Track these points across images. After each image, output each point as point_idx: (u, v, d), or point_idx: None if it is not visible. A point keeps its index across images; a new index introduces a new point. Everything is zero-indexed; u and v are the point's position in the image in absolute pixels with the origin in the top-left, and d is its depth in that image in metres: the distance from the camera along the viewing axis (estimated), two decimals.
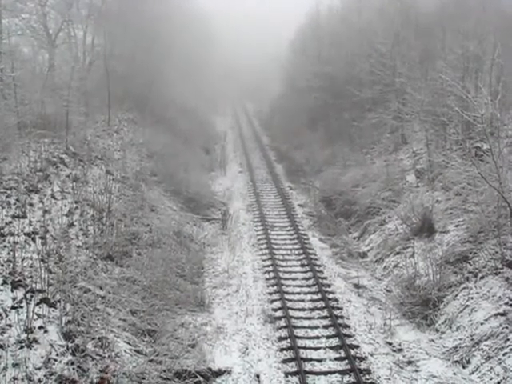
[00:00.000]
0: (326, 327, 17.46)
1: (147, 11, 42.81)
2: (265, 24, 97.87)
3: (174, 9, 56.19)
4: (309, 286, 20.57)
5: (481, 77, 27.10)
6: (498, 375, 13.91)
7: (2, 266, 14.96)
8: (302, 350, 15.97)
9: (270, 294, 19.99)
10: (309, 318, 18.09)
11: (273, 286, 20.59)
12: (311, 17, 56.90)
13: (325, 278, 21.20)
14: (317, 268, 22.05)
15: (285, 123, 52.80)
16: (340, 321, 17.72)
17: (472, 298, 17.01)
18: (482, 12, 30.13)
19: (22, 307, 13.64)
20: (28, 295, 14.06)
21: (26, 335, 12.72)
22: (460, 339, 15.98)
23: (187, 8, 67.80)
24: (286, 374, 15.01)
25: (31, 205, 19.13)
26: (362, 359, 15.63)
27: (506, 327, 15.06)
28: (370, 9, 44.00)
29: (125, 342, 14.70)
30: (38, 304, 13.89)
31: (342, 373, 14.93)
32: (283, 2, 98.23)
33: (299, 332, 17.09)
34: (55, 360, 12.48)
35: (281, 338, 16.86)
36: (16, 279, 14.52)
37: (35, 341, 12.75)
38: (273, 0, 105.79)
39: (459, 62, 27.05)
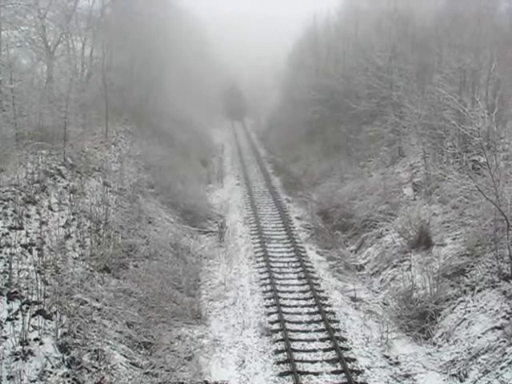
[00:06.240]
0: (322, 340, 17.39)
1: (145, 24, 43.08)
2: (262, 37, 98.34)
3: (172, 21, 56.50)
4: (306, 298, 20.51)
5: (477, 90, 27.22)
6: None
7: None
8: (298, 364, 15.87)
9: (267, 306, 19.93)
10: (306, 331, 18.01)
11: (270, 298, 20.52)
12: (308, 30, 57.32)
13: (322, 291, 21.15)
14: (314, 281, 22.00)
15: (282, 136, 53.08)
16: (337, 334, 17.65)
17: (469, 312, 16.95)
18: (477, 26, 30.35)
19: (17, 319, 13.53)
20: (24, 307, 13.96)
21: (21, 347, 12.63)
22: (457, 353, 15.90)
23: (185, 20, 68.20)
24: None
25: (28, 216, 19.06)
26: (358, 372, 15.53)
27: (504, 341, 14.98)
28: (366, 22, 44.31)
29: (121, 354, 14.61)
30: (33, 316, 13.79)
31: None
32: (281, 15, 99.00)
33: (296, 345, 17.01)
34: (50, 372, 12.38)
35: (277, 351, 16.77)
36: (12, 291, 14.41)
37: (30, 353, 12.65)
38: (270, 13, 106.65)
39: (456, 75, 27.21)
